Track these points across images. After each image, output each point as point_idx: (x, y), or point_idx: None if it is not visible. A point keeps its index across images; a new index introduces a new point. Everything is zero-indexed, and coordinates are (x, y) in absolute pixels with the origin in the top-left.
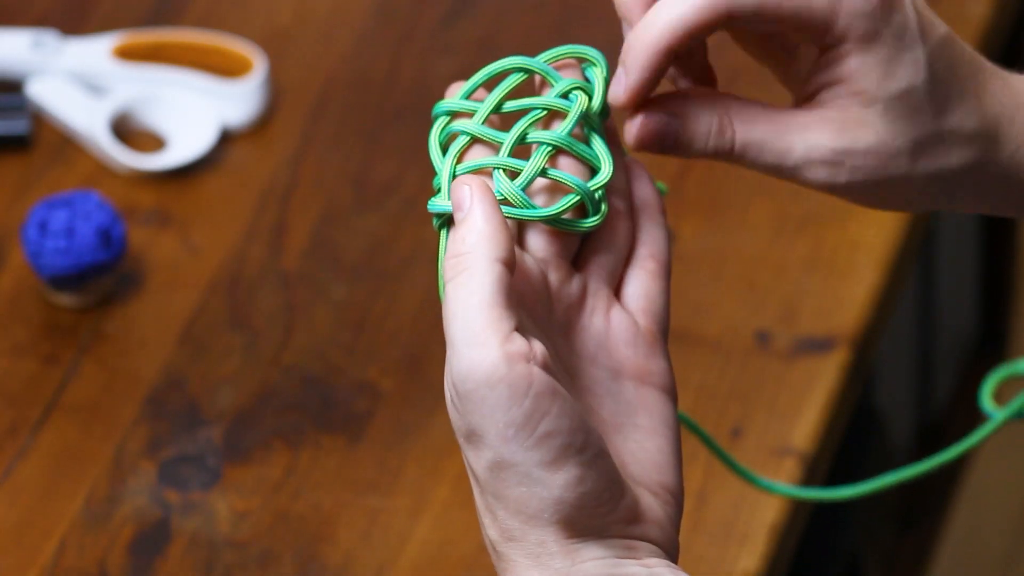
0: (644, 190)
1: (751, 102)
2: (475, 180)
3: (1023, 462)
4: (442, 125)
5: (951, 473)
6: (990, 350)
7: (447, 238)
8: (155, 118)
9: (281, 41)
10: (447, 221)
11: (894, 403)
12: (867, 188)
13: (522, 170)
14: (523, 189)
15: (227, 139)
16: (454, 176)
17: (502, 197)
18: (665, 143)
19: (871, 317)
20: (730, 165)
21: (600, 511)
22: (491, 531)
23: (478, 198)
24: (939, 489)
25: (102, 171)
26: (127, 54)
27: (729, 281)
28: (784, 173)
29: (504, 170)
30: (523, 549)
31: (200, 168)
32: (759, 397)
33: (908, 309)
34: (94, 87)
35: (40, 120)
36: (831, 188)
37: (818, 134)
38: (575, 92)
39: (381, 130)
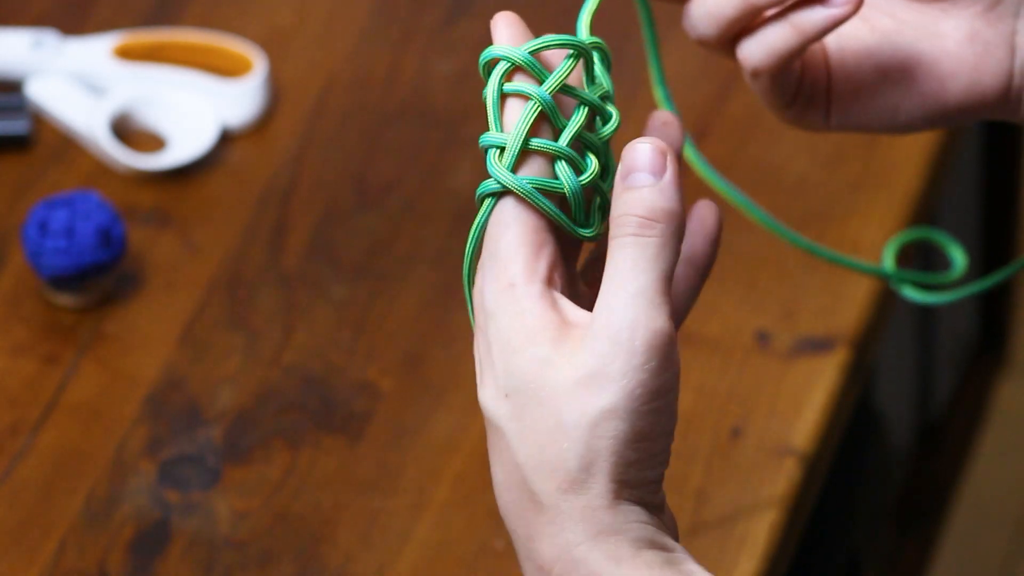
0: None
1: None
2: (666, 147)
3: (1023, 462)
4: (503, 72)
5: (951, 473)
6: (990, 350)
7: (490, 208)
8: (155, 118)
9: (281, 41)
10: (499, 196)
11: (894, 403)
12: None
13: (585, 169)
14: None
15: (227, 139)
16: (524, 149)
17: (560, 190)
18: None
19: (871, 317)
20: (730, 164)
21: (658, 473)
22: (547, 483)
23: (673, 171)
24: (939, 489)
25: (102, 171)
26: (127, 54)
27: (729, 281)
28: None
29: (568, 163)
30: (580, 501)
31: (200, 168)
32: (759, 397)
33: (908, 309)
34: (94, 87)
35: (40, 120)
36: None
37: None
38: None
39: (381, 130)
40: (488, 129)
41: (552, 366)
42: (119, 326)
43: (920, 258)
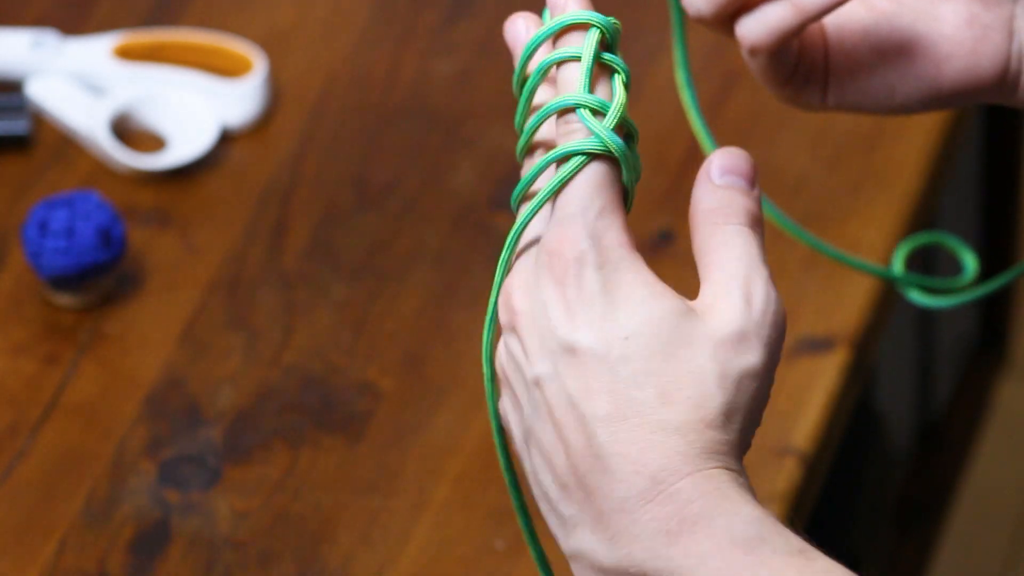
0: None
1: None
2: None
3: (1023, 462)
4: (598, 40)
5: (951, 473)
6: (990, 350)
7: (579, 167)
8: (155, 118)
9: (281, 41)
10: (593, 157)
11: (894, 403)
12: None
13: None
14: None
15: (227, 139)
16: (621, 121)
17: (627, 173)
18: None
19: (871, 317)
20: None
21: (749, 445)
22: (689, 415)
23: (759, 191)
24: (939, 489)
25: (102, 171)
26: (127, 54)
27: None
28: None
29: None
30: (720, 436)
31: (200, 168)
32: None
33: (908, 309)
34: (94, 87)
35: (40, 120)
36: None
37: None
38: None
39: (381, 130)
40: (558, 95)
41: (692, 319)
42: (119, 326)
43: (922, 259)
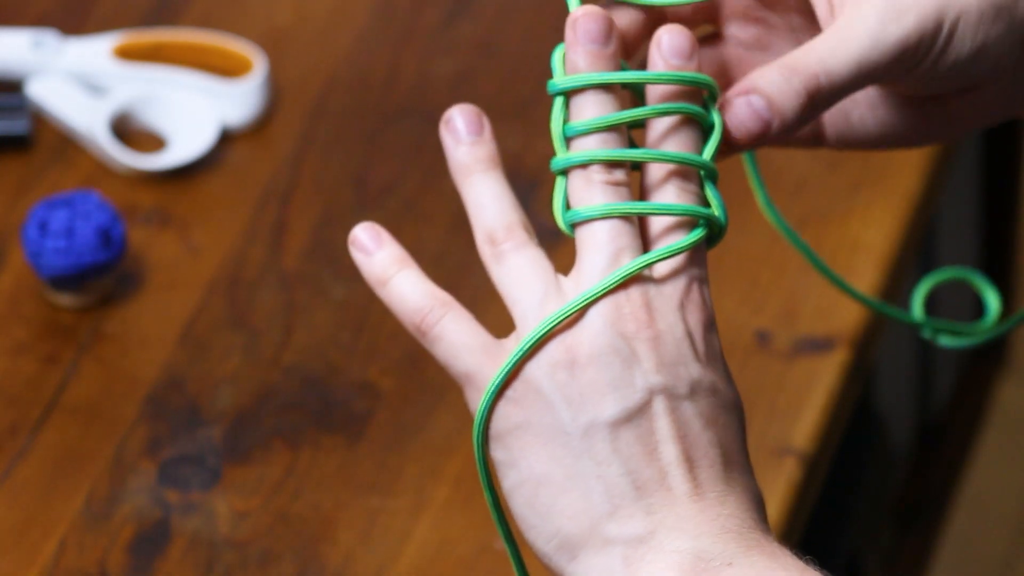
0: None
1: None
2: None
3: (1023, 462)
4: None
5: (951, 473)
6: (990, 350)
7: (704, 237)
8: (155, 118)
9: (281, 41)
10: (708, 229)
11: (894, 403)
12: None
13: None
14: None
15: (227, 139)
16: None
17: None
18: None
19: (871, 317)
20: (730, 165)
21: None
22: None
23: None
24: (939, 489)
25: (102, 171)
26: (127, 54)
27: (729, 281)
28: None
29: None
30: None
31: (200, 168)
32: (759, 397)
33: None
34: (94, 87)
35: (40, 120)
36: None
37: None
38: None
39: (381, 130)
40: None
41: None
42: (119, 326)
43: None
